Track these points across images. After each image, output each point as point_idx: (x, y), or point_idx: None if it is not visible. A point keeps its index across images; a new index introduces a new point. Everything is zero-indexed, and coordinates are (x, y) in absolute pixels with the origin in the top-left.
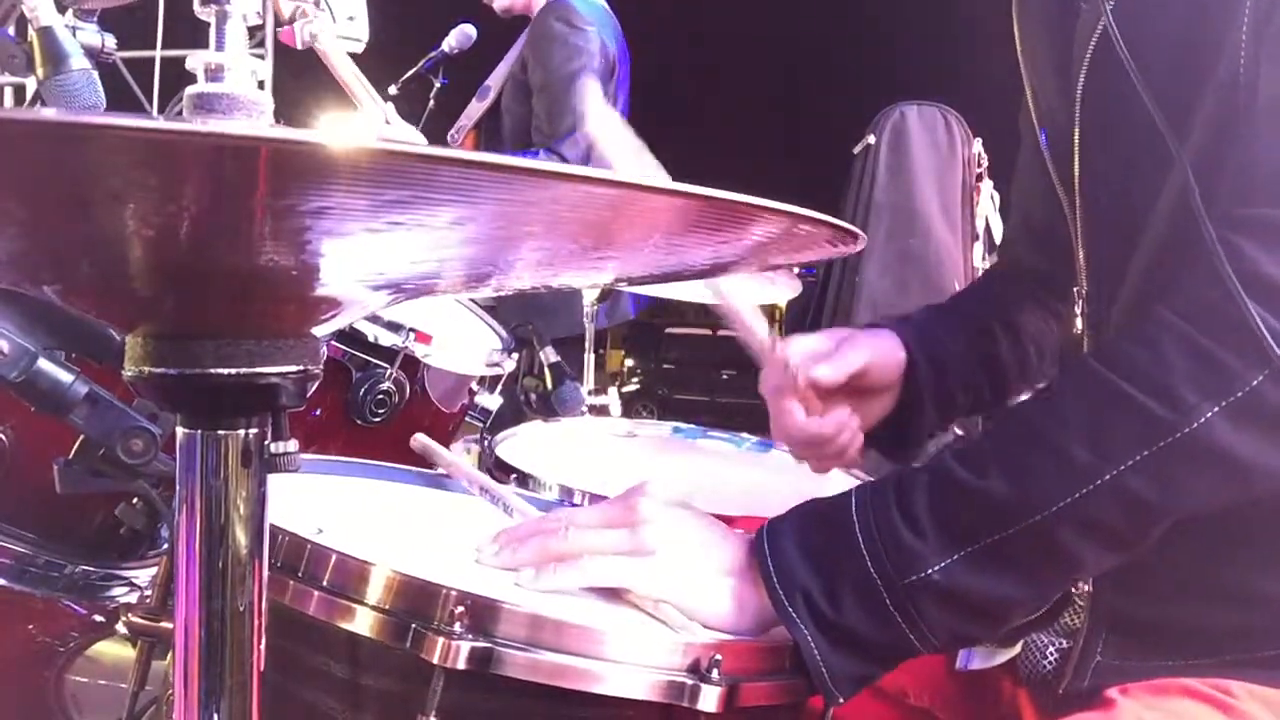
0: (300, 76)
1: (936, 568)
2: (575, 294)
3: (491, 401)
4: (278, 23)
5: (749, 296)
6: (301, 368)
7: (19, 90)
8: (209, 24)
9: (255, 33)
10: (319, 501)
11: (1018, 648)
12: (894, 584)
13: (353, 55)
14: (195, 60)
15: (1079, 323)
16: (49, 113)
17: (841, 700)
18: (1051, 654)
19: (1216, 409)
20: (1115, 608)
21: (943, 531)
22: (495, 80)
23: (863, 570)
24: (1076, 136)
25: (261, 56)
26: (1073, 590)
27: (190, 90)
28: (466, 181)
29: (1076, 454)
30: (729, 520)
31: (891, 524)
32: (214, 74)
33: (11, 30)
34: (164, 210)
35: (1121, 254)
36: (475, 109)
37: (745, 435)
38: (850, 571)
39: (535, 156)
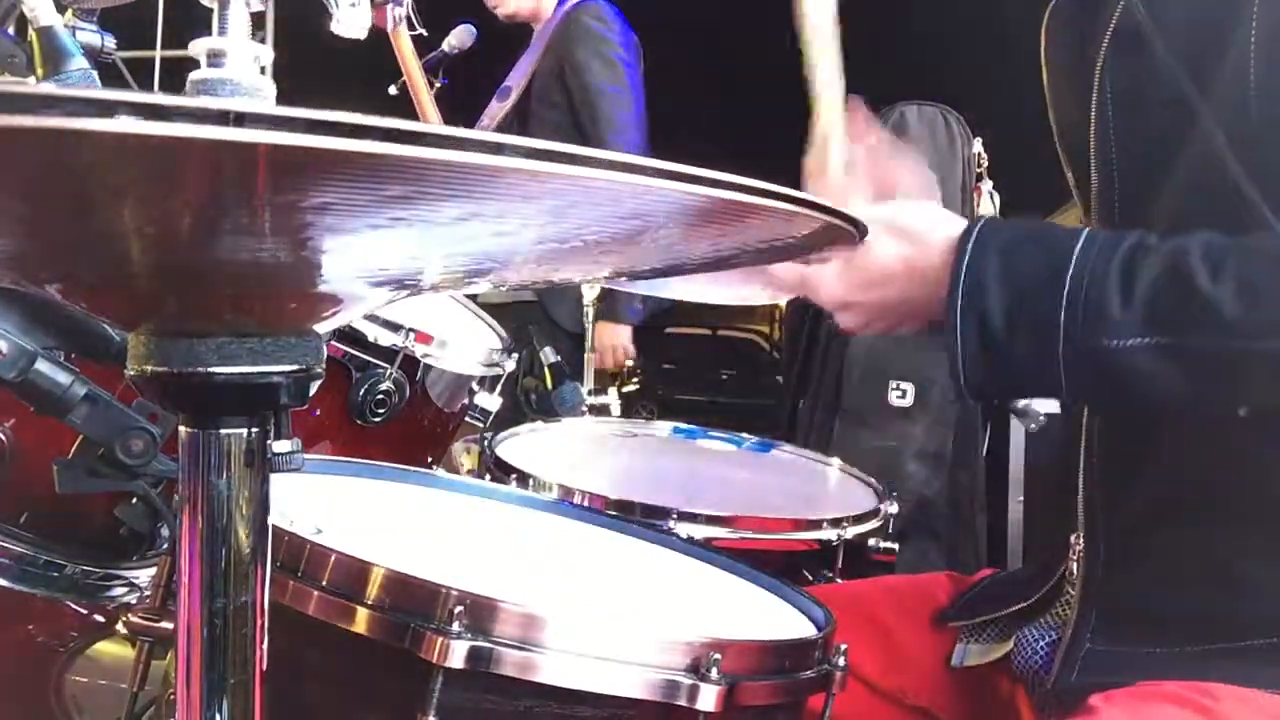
0: (302, 64)
1: (1125, 343)
2: (575, 292)
3: (491, 401)
4: (372, 3)
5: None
6: (303, 367)
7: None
8: (211, 11)
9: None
10: (319, 501)
11: (1010, 643)
12: (1075, 338)
13: (356, 48)
14: (197, 46)
15: None
16: (47, 92)
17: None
18: (1042, 648)
19: None
20: (1105, 594)
21: (1151, 313)
22: (516, 81)
23: (1054, 310)
24: (1093, 115)
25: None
26: (1065, 579)
27: (193, 76)
28: (468, 176)
29: None
30: (729, 520)
31: (1106, 281)
32: (215, 59)
33: (11, 30)
34: (165, 207)
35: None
36: (495, 109)
37: (745, 435)
38: (1041, 305)
39: None
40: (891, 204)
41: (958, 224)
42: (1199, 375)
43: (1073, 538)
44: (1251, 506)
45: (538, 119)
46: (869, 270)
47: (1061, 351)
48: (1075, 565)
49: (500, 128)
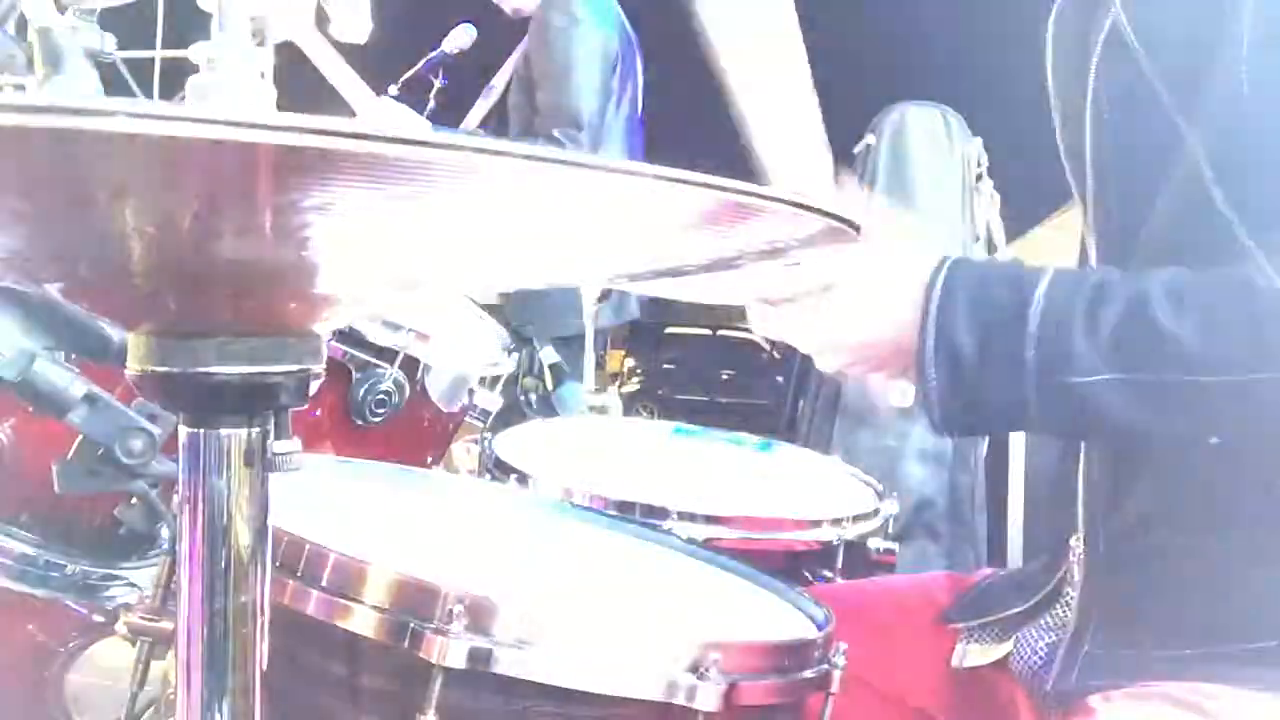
0: (303, 67)
1: (1090, 379)
2: (575, 292)
3: (491, 401)
4: None
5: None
6: (304, 366)
7: (19, 90)
8: (210, 18)
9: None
10: (319, 501)
11: (1010, 644)
12: (1043, 374)
13: (355, 49)
14: (197, 49)
15: None
16: (47, 98)
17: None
18: (1042, 649)
19: None
20: (1105, 596)
21: (1115, 350)
22: (501, 79)
23: (1020, 349)
24: (1089, 119)
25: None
26: (1064, 581)
27: (193, 79)
28: (468, 176)
29: (1271, 335)
30: (729, 520)
31: (1071, 319)
32: (215, 62)
33: (12, 30)
34: (165, 207)
35: (1130, 231)
36: (481, 106)
37: (745, 435)
38: (1009, 343)
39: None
40: (859, 249)
41: (927, 264)
42: (1164, 409)
43: (1072, 540)
44: (1251, 509)
45: (517, 115)
46: (846, 316)
47: (1029, 388)
48: (1075, 567)
49: (481, 125)
